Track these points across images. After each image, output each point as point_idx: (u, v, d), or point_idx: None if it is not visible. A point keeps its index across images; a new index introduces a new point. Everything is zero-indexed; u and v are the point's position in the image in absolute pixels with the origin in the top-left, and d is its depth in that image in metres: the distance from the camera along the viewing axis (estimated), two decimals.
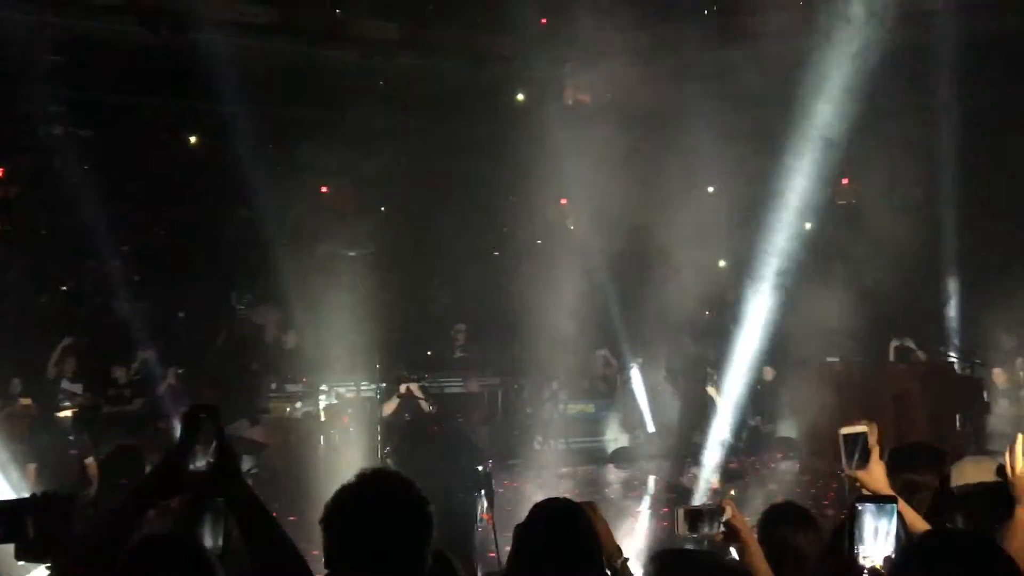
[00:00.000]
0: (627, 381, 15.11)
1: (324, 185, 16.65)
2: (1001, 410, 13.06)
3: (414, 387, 12.17)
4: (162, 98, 14.97)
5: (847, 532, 3.24)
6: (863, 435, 3.53)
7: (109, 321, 14.39)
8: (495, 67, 15.07)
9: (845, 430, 3.56)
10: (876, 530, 3.18)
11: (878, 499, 3.30)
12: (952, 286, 15.28)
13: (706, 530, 3.70)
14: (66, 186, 13.84)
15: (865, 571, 3.19)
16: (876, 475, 3.52)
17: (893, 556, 3.13)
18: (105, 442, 10.37)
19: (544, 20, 15.57)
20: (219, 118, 14.43)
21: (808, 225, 13.41)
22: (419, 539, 2.89)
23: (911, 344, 12.52)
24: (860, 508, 3.19)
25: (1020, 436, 3.25)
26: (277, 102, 14.73)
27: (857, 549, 3.18)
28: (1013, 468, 3.30)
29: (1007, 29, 13.98)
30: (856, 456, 3.53)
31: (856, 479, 3.47)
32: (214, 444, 2.83)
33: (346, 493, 2.91)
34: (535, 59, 15.30)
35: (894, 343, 12.65)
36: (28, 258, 14.60)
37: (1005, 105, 14.63)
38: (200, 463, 2.83)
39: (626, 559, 4.12)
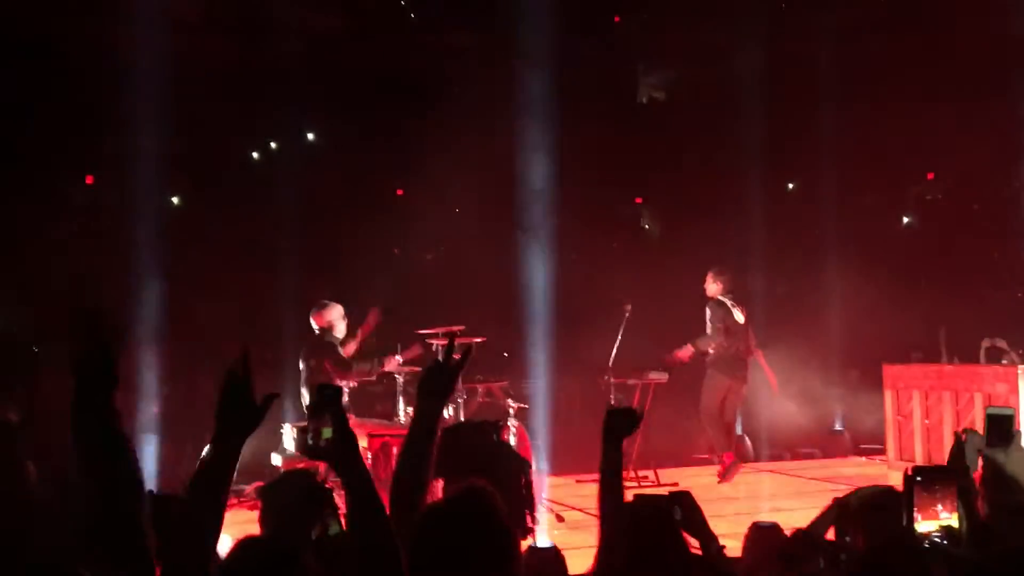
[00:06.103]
0: None
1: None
2: None
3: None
4: None
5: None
6: (1010, 416, 3.38)
7: None
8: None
9: (992, 410, 3.42)
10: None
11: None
12: None
13: None
14: None
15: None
16: (1017, 460, 3.32)
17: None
18: None
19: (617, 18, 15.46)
20: None
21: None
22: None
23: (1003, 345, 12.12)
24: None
25: None
26: None
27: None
28: None
29: None
30: (998, 436, 3.37)
31: (993, 458, 3.30)
32: (334, 422, 3.08)
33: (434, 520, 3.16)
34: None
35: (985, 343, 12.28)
36: None
37: None
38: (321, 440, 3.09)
39: (722, 546, 4.09)
